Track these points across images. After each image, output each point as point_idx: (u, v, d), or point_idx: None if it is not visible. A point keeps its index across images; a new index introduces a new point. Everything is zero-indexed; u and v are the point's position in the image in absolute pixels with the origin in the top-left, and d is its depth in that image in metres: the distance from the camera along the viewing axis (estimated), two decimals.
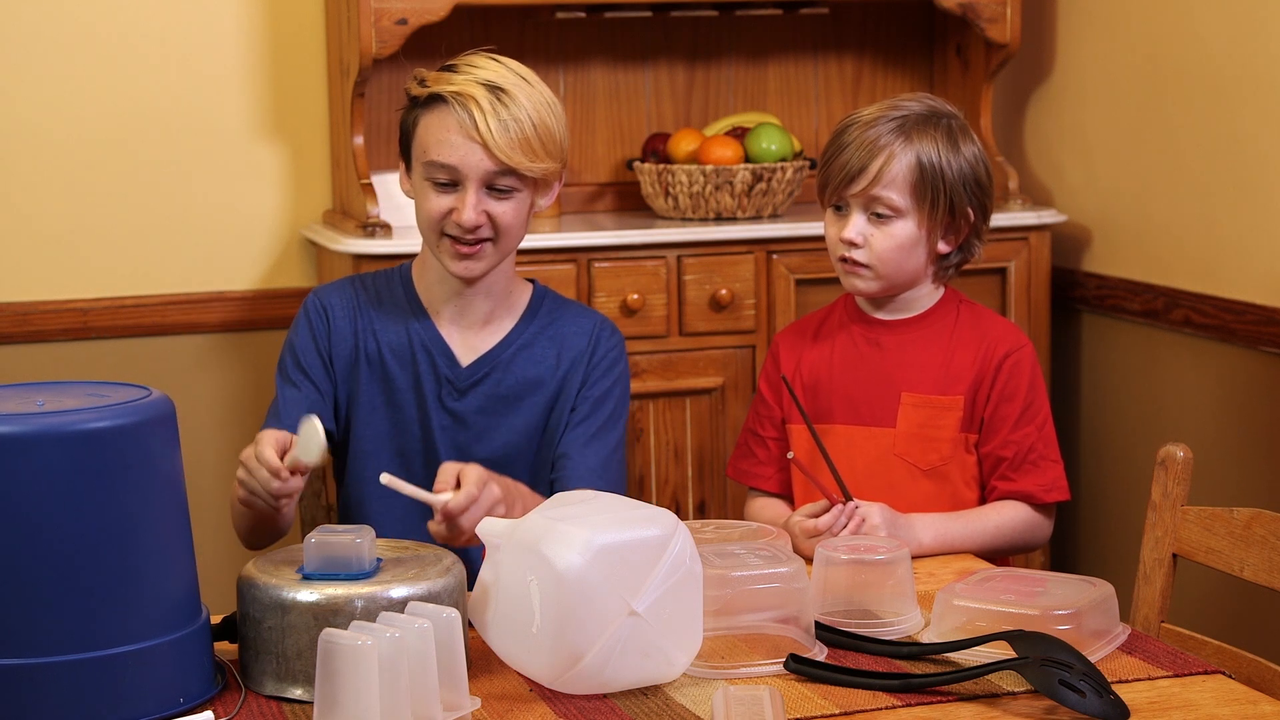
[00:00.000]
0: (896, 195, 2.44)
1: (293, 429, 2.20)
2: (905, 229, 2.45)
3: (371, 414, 2.50)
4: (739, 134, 3.73)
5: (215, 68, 3.66)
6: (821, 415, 2.52)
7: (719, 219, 3.63)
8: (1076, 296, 3.82)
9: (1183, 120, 3.49)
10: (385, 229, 3.42)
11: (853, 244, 2.46)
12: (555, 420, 2.50)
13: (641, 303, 3.48)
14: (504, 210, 2.40)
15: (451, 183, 2.39)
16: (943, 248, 2.49)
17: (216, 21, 3.66)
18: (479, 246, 2.41)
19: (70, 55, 3.58)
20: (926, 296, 2.53)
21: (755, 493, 2.61)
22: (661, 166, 3.65)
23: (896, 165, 2.43)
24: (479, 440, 2.49)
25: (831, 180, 2.47)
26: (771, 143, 3.66)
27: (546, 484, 2.49)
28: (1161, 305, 3.56)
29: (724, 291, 3.52)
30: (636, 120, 3.91)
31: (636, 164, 3.71)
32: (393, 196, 3.55)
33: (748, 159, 3.66)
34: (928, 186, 2.44)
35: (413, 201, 2.49)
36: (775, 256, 3.56)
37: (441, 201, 2.40)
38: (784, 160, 3.66)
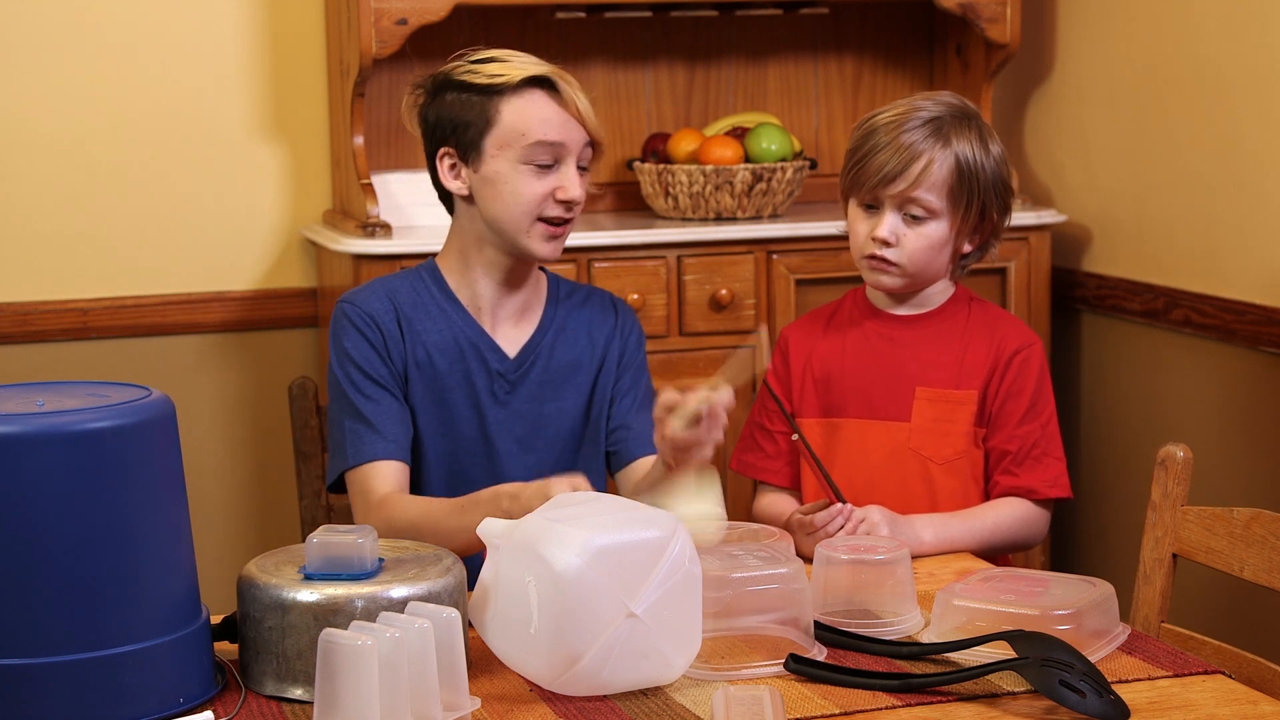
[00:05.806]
0: (934, 197, 2.45)
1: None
2: (938, 229, 2.47)
3: (417, 416, 2.49)
4: (739, 134, 3.73)
5: (215, 68, 3.66)
6: (834, 409, 2.53)
7: (719, 219, 3.63)
8: (1076, 296, 3.82)
9: (1182, 120, 3.49)
10: (385, 229, 3.42)
11: (885, 243, 2.47)
12: (600, 395, 2.55)
13: (641, 303, 3.48)
14: (585, 187, 2.49)
15: (553, 162, 2.44)
16: (965, 247, 2.51)
17: (216, 21, 3.66)
18: (565, 226, 2.47)
19: (70, 55, 3.58)
20: (939, 293, 2.55)
21: (765, 487, 2.61)
22: (661, 166, 3.65)
23: (937, 169, 2.45)
24: (535, 429, 2.51)
25: (867, 181, 2.47)
26: (771, 143, 3.66)
27: (599, 457, 2.54)
28: (1161, 305, 3.56)
29: (724, 291, 3.52)
30: (636, 120, 3.91)
31: (636, 164, 3.71)
32: (393, 196, 3.54)
33: (748, 159, 3.66)
34: (964, 189, 2.46)
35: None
36: (775, 256, 3.56)
37: (544, 183, 2.44)
38: (784, 160, 3.66)
